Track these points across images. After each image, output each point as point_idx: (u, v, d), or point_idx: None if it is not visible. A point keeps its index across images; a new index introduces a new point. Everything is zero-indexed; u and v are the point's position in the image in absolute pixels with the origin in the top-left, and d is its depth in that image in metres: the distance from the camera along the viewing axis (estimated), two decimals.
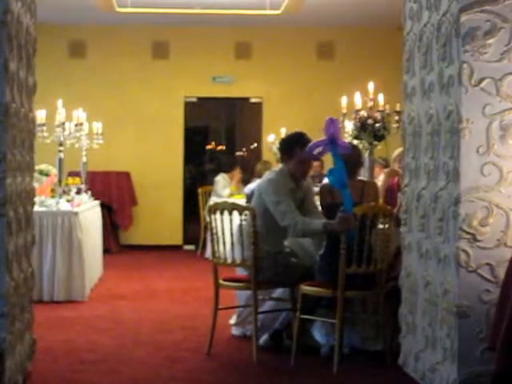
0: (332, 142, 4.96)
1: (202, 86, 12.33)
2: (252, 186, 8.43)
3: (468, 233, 4.06)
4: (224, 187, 10.97)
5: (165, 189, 12.19)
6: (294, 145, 5.46)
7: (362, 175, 6.83)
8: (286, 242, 5.53)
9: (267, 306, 5.73)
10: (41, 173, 8.33)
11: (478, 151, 4.05)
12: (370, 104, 6.90)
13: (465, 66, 4.04)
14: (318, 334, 5.44)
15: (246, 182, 10.76)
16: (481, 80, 4.04)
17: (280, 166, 5.65)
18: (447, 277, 4.22)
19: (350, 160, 5.38)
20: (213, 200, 10.13)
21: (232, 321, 5.97)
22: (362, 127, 6.79)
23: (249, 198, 8.02)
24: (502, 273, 3.96)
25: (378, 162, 7.79)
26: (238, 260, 5.32)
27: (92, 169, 10.26)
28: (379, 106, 6.91)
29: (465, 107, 4.04)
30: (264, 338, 5.52)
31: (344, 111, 7.24)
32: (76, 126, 8.58)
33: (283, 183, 5.35)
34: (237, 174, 11.28)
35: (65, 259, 7.32)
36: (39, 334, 5.09)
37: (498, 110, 4.05)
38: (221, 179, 11.12)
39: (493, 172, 4.05)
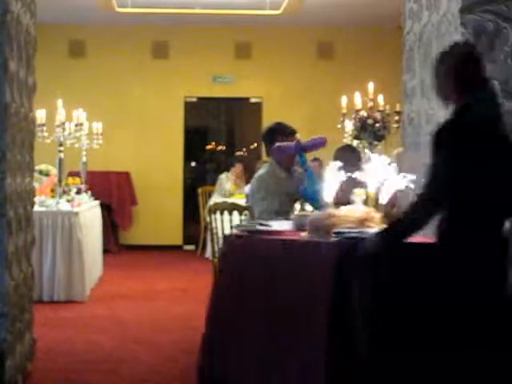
0: (301, 152, 5.00)
1: (202, 85, 12.33)
2: None
3: None
4: (227, 183, 11.11)
5: (165, 189, 12.18)
6: (275, 134, 5.46)
7: None
8: None
9: None
10: (41, 173, 8.33)
11: None
12: (370, 104, 6.89)
13: None
14: None
15: (246, 182, 10.76)
16: None
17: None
18: None
19: (348, 163, 5.37)
20: (214, 199, 10.17)
21: None
22: (362, 127, 6.77)
23: None
24: None
25: None
26: None
27: (92, 169, 10.25)
28: (379, 106, 6.89)
29: None
30: None
31: (344, 111, 7.23)
32: (76, 126, 8.58)
33: (272, 177, 5.31)
34: (236, 169, 11.34)
35: (65, 259, 7.32)
36: (39, 334, 5.09)
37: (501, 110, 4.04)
38: (224, 177, 11.28)
39: None
